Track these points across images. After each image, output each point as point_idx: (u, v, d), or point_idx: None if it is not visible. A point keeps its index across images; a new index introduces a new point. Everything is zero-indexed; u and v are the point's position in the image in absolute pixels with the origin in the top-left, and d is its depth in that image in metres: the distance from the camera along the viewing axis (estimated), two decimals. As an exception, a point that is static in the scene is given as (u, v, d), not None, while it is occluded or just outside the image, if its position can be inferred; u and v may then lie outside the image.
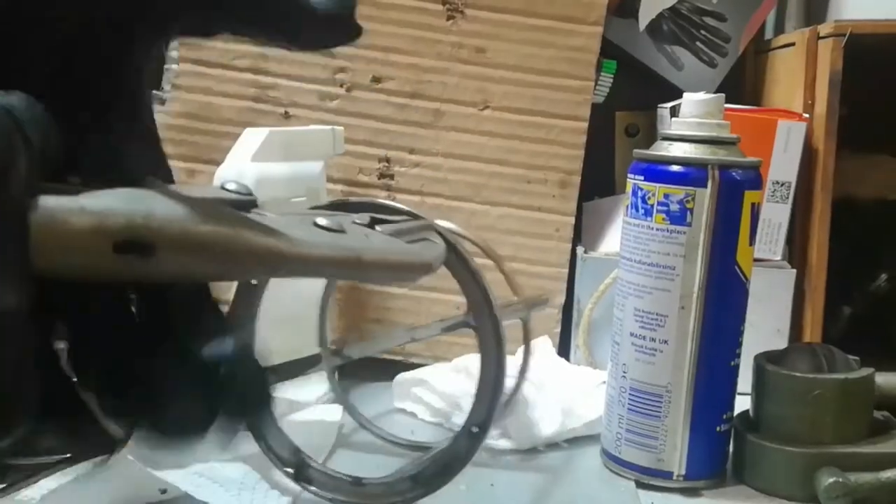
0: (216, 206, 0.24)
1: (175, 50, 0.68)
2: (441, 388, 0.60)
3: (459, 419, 0.55)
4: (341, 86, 0.69)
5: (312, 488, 0.46)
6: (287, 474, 0.46)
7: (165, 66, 0.68)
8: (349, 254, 0.27)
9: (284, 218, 0.29)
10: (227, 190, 0.30)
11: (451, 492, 0.48)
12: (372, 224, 0.33)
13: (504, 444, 0.55)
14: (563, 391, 0.59)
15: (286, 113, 0.68)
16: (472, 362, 0.62)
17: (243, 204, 0.30)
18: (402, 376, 0.62)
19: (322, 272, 0.28)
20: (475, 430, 0.45)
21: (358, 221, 0.33)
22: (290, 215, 0.30)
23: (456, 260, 0.43)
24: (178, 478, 0.46)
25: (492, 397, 0.45)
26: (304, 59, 0.68)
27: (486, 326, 0.44)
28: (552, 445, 0.56)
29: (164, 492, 0.45)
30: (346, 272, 0.31)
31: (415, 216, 0.41)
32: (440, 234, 0.41)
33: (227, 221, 0.23)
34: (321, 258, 0.26)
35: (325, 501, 0.46)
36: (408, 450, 0.55)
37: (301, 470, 0.47)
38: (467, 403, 0.53)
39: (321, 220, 0.29)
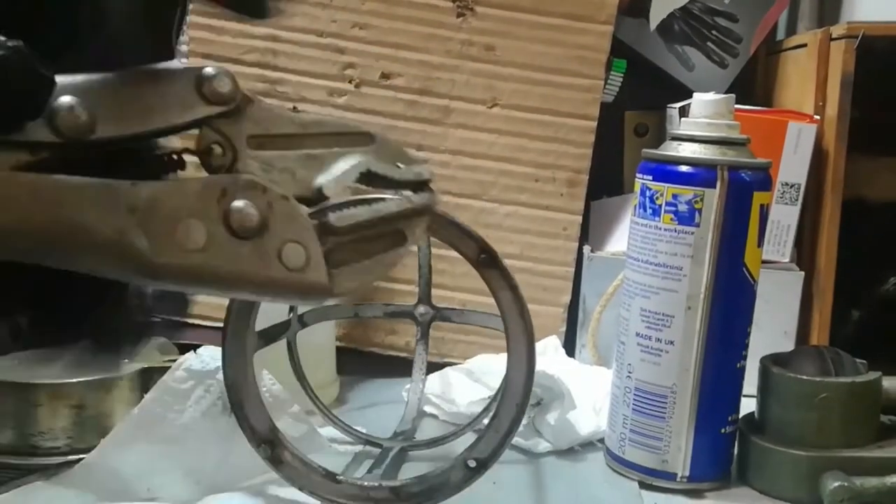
0: None
1: (185, 44, 0.68)
2: (460, 390, 0.60)
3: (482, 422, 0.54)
4: (350, 81, 0.69)
5: (283, 473, 0.44)
6: (259, 452, 0.44)
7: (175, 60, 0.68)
8: None
9: None
10: None
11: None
12: None
13: (542, 445, 0.55)
14: (591, 390, 0.58)
15: (294, 108, 0.68)
16: (485, 364, 0.61)
17: None
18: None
19: None
20: (472, 464, 0.42)
21: None
22: None
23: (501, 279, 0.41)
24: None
25: (503, 437, 0.42)
26: (314, 54, 0.68)
27: (517, 376, 0.41)
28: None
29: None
30: None
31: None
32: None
33: None
34: None
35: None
36: (369, 445, 0.54)
37: (275, 451, 0.44)
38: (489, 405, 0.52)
39: None
